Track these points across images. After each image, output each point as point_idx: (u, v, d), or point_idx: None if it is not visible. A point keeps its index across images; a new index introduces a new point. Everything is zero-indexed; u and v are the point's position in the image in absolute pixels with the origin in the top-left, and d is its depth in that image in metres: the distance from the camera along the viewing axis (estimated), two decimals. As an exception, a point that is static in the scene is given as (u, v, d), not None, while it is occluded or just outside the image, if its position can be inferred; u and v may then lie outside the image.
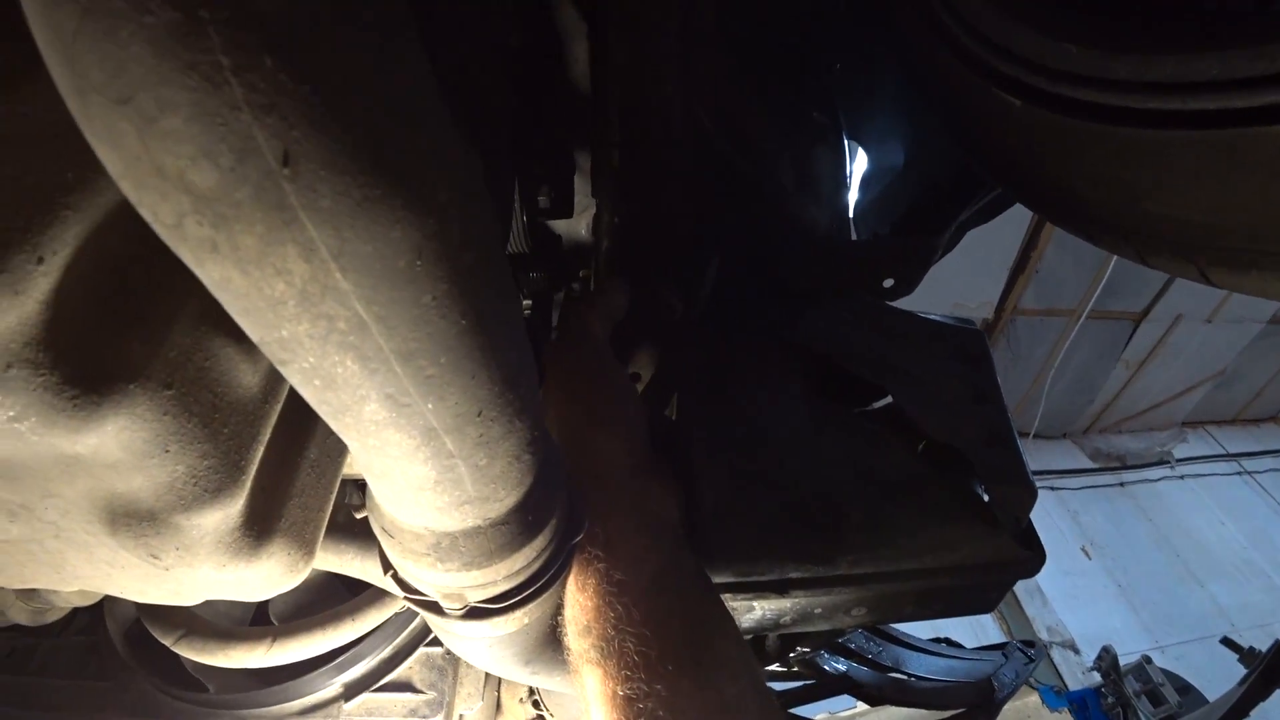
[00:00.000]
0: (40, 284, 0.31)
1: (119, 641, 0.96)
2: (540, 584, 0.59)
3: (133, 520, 0.41)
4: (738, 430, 0.76)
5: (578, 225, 1.06)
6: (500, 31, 0.86)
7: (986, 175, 0.82)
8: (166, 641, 0.85)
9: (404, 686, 1.00)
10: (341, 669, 1.02)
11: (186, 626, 0.86)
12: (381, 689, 1.02)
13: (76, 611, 0.85)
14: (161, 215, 0.25)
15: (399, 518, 0.48)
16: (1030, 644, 1.20)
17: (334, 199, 0.25)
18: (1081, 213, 0.57)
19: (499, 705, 1.12)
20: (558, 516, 0.57)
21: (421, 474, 0.40)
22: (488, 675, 1.16)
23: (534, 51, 0.90)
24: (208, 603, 0.96)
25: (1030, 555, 0.74)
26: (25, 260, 0.30)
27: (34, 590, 0.76)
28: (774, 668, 1.07)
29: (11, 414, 0.33)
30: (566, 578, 0.64)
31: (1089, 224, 0.57)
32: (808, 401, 0.80)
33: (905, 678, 1.20)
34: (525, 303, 1.13)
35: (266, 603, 1.12)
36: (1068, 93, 0.48)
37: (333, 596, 1.08)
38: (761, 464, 0.73)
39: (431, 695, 1.02)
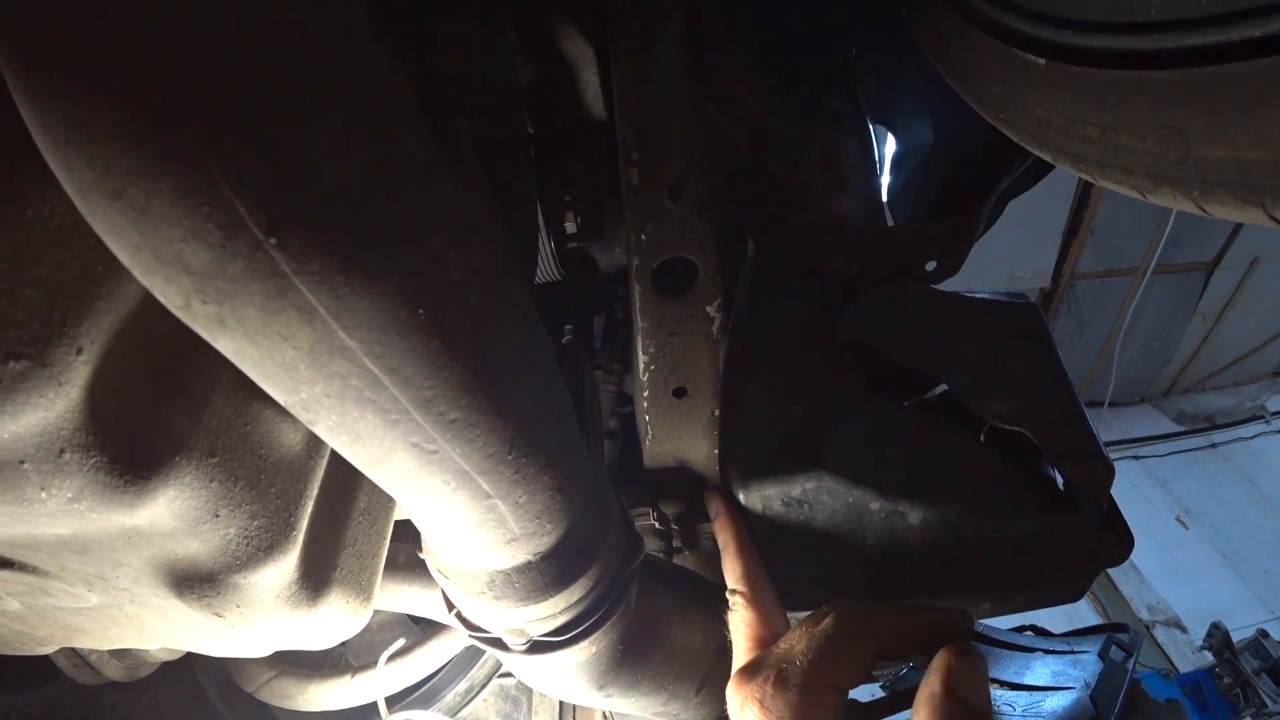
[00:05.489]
0: (81, 372, 0.32)
1: (212, 692, 1.00)
2: (602, 613, 0.59)
3: (194, 583, 0.42)
4: (784, 437, 0.74)
5: (613, 245, 1.06)
6: (509, 69, 0.87)
7: (1020, 143, 0.79)
8: (249, 690, 0.88)
9: None
10: (420, 705, 1.04)
11: (271, 672, 0.89)
12: (458, 722, 1.03)
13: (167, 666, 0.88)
14: (170, 298, 0.25)
15: (450, 560, 0.49)
16: (1123, 628, 1.10)
17: (324, 261, 0.25)
18: (1130, 169, 0.53)
19: (576, 731, 1.12)
20: (611, 544, 0.57)
21: (462, 516, 0.40)
22: (562, 702, 1.15)
23: (546, 83, 0.92)
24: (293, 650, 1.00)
25: (1116, 542, 0.68)
26: (65, 353, 0.31)
27: (125, 649, 0.80)
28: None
29: (70, 495, 0.34)
30: (630, 603, 0.63)
31: (1141, 179, 0.53)
32: (862, 400, 0.76)
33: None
34: (566, 327, 1.14)
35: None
36: (1094, 43, 0.45)
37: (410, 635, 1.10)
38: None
39: (507, 726, 1.03)
